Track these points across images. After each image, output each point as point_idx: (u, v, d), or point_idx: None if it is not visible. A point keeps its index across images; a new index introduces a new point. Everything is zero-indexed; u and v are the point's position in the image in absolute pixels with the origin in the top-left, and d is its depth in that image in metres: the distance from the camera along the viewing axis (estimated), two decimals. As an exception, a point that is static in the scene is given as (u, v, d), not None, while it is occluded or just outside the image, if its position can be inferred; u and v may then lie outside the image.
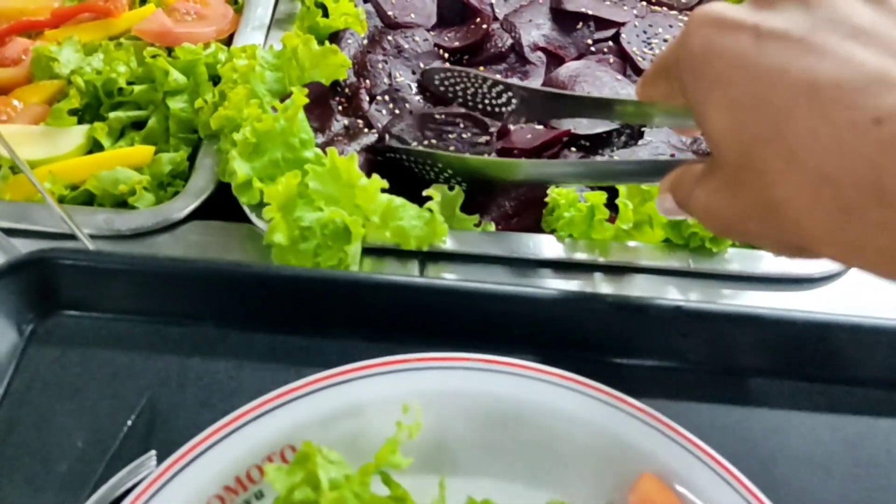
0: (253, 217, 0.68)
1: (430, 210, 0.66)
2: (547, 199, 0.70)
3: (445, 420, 0.51)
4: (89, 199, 0.70)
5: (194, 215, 0.70)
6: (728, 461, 0.48)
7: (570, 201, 0.69)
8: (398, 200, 0.67)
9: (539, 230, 0.71)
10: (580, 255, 0.68)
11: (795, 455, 0.54)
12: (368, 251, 0.67)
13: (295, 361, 0.56)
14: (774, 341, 0.57)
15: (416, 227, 0.66)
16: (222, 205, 0.70)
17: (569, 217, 0.69)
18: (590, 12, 0.89)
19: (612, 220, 0.69)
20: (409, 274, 0.66)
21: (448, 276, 0.66)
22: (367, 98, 0.83)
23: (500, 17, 0.90)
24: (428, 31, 0.89)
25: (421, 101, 0.81)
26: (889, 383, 0.57)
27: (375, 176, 0.65)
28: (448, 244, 0.67)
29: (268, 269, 0.59)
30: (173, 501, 0.46)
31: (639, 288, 0.66)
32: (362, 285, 0.58)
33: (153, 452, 0.50)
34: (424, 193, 0.67)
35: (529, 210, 0.73)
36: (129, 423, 0.53)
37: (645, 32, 0.90)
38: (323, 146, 0.75)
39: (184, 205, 0.69)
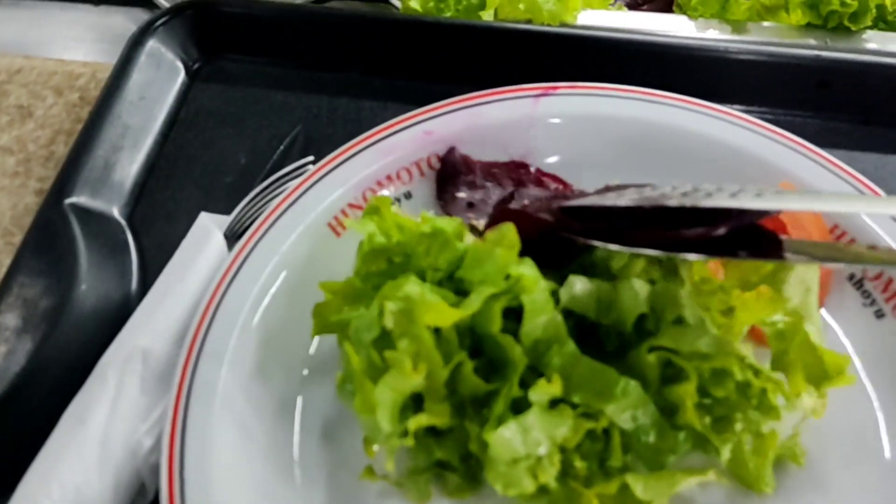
0: (389, -5, 0.71)
1: (564, -14, 0.67)
2: (680, -18, 0.70)
3: (579, 141, 0.53)
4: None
5: (333, -6, 0.73)
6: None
7: (704, -20, 0.69)
8: (533, -25, 0.68)
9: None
10: (713, 34, 0.67)
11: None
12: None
13: (434, 102, 0.59)
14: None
15: (549, 2, 0.67)
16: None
17: (702, -4, 0.68)
18: None
19: (747, -2, 0.68)
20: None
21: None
22: None
23: None
24: None
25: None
26: None
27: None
28: (579, 21, 0.68)
29: (410, 18, 0.62)
30: (331, 190, 0.50)
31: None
32: (501, 32, 0.60)
33: (311, 157, 0.54)
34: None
35: (662, -6, 0.73)
36: (284, 145, 0.57)
37: None
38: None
39: (325, -16, 0.73)
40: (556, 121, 0.53)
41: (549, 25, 0.64)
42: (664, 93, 0.53)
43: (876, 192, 0.48)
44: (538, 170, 0.53)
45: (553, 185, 0.52)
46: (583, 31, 0.61)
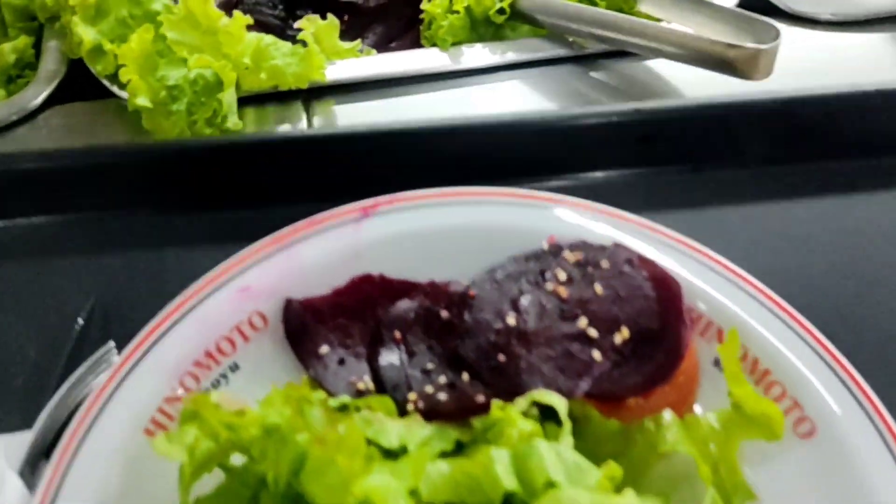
0: (114, 89, 0.62)
1: (305, 43, 0.62)
2: (422, 16, 0.68)
3: (411, 259, 0.48)
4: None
5: (52, 101, 0.64)
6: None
7: (445, 8, 0.67)
8: (268, 38, 0.62)
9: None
10: (468, 61, 0.65)
11: (774, 239, 0.53)
12: (246, 101, 0.62)
13: (246, 234, 0.49)
14: (737, 129, 0.56)
15: (291, 63, 0.62)
16: (81, 86, 0.64)
17: (447, 24, 0.66)
18: None
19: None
20: (294, 119, 0.62)
21: (338, 110, 0.63)
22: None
23: None
24: None
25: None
26: (860, 152, 0.56)
27: (237, 13, 0.60)
28: (330, 75, 0.63)
29: (170, 144, 0.56)
30: (143, 387, 0.43)
31: (550, 78, 0.64)
32: (303, 141, 0.55)
33: (111, 344, 0.47)
34: (296, 25, 0.63)
35: (409, 31, 0.71)
36: (79, 324, 0.50)
37: None
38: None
39: (37, 91, 0.63)
40: (385, 244, 0.48)
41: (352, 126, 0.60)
42: (480, 189, 0.50)
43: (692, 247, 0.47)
44: (382, 276, 0.48)
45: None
46: (366, 131, 0.57)
